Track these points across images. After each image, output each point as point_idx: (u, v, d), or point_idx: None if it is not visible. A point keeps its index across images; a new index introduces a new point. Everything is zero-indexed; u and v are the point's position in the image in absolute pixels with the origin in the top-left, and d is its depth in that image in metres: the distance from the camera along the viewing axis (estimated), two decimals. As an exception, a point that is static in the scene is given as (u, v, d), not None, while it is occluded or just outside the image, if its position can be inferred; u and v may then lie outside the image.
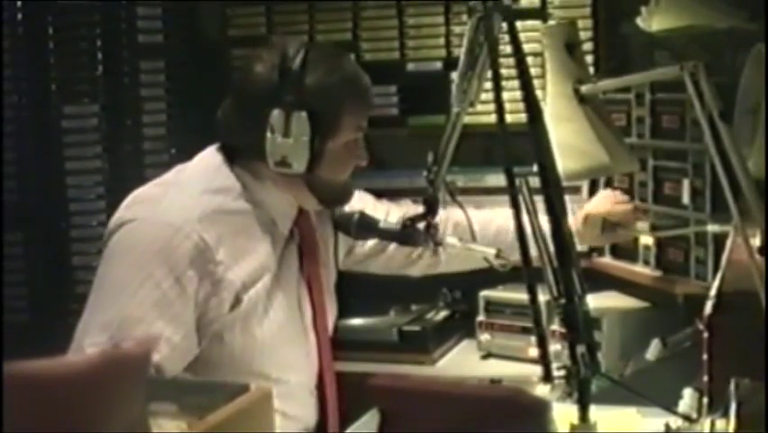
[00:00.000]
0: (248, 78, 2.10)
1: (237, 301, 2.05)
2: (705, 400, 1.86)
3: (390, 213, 2.44)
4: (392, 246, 2.45)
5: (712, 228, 2.43)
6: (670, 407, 1.89)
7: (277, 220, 2.15)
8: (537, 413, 1.19)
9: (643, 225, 2.71)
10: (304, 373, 2.21)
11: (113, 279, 2.01)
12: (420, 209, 2.31)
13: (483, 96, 2.30)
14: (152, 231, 2.02)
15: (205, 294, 2.01)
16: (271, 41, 2.16)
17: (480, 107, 2.34)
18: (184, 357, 1.99)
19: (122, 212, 2.09)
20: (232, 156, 2.15)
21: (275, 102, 2.06)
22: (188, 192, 2.09)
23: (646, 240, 2.72)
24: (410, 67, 3.19)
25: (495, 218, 2.53)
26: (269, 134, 2.06)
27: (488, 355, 2.87)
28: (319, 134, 2.06)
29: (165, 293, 1.96)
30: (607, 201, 2.68)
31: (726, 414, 1.70)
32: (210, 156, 2.17)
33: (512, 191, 1.78)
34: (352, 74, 2.15)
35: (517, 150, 1.79)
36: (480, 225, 2.45)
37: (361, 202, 2.40)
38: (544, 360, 1.74)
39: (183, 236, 2.00)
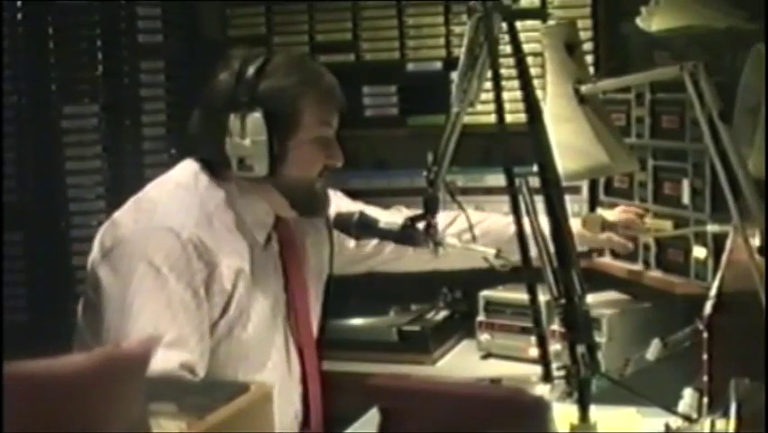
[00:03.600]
0: (209, 88, 2.15)
1: (227, 306, 2.10)
2: (705, 400, 1.86)
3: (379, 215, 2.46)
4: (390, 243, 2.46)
5: (712, 228, 2.43)
6: (670, 407, 1.88)
7: (252, 228, 2.18)
8: (537, 413, 1.19)
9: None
10: (286, 371, 2.24)
11: (130, 296, 2.01)
12: (404, 213, 2.37)
13: (483, 96, 2.30)
14: (155, 238, 2.04)
15: (208, 296, 2.06)
16: (233, 53, 2.19)
17: (480, 107, 2.34)
18: (206, 360, 2.04)
19: (115, 226, 2.10)
20: (205, 167, 2.19)
21: (232, 107, 2.10)
22: (177, 201, 2.12)
23: (646, 240, 2.72)
24: (410, 67, 3.19)
25: (488, 220, 2.58)
26: (228, 139, 2.10)
27: (488, 355, 2.86)
28: (278, 134, 2.10)
29: (182, 298, 2.01)
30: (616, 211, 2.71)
31: (726, 414, 1.70)
32: (188, 168, 2.20)
33: (512, 191, 1.78)
34: (311, 73, 2.18)
35: (517, 150, 1.79)
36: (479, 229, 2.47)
37: (342, 202, 2.44)
38: (544, 360, 1.74)
39: (186, 240, 2.04)
